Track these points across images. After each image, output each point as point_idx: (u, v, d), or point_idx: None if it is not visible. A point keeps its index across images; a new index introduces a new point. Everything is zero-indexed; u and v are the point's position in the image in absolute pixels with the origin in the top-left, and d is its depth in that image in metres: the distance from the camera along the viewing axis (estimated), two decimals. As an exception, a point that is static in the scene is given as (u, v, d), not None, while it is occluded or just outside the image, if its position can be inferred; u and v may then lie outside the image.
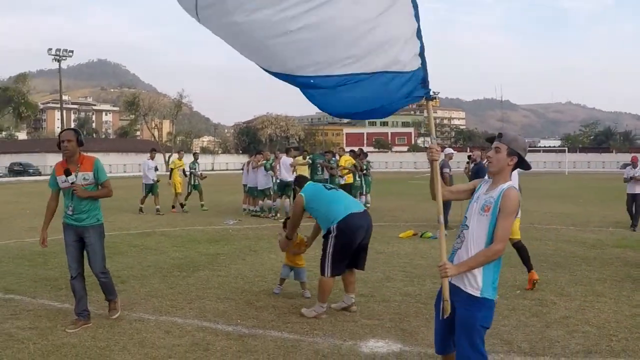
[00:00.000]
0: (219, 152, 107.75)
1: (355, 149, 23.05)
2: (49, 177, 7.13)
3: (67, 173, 6.58)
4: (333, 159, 20.03)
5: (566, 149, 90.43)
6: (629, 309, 7.67)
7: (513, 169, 4.25)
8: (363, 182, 20.23)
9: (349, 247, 7.09)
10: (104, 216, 7.03)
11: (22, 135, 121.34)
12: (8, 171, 69.47)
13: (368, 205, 20.31)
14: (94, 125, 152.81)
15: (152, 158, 20.27)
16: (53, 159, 57.85)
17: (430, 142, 4.55)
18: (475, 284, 4.11)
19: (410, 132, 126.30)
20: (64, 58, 75.21)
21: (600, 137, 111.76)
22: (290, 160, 18.25)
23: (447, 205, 13.39)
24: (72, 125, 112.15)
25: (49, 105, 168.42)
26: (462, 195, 4.52)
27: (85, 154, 6.87)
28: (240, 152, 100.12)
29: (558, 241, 13.47)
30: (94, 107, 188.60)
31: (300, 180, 8.27)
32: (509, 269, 9.55)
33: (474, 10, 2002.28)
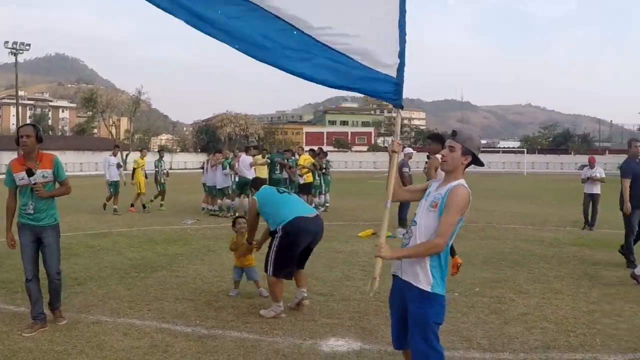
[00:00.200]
0: (178, 150, 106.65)
1: (315, 148, 23.13)
2: (3, 175, 6.97)
3: (30, 173, 6.43)
4: (292, 158, 20.03)
5: (525, 150, 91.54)
6: (586, 305, 7.88)
7: (466, 167, 4.29)
8: (322, 182, 20.21)
9: (293, 249, 7.11)
10: (59, 216, 6.92)
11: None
12: (-41, 170, 67.73)
13: (327, 204, 20.40)
14: (50, 122, 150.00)
15: (114, 155, 19.94)
16: (7, 157, 56.53)
17: (392, 139, 4.57)
18: (426, 280, 4.15)
19: (371, 132, 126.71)
20: (20, 52, 73.53)
21: (559, 138, 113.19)
22: (250, 159, 18.08)
23: (405, 204, 13.49)
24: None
25: (4, 101, 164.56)
26: (417, 195, 4.54)
27: (42, 151, 6.75)
28: (199, 150, 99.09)
29: (516, 240, 13.68)
30: (51, 104, 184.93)
31: (257, 183, 8.27)
32: (467, 267, 9.70)
33: (436, 10, 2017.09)
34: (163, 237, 13.67)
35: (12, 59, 75.55)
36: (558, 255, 11.67)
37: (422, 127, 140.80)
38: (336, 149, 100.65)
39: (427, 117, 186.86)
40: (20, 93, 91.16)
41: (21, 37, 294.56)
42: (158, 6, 4.10)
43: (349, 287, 8.70)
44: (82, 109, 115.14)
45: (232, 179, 18.73)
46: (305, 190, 18.74)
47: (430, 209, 4.20)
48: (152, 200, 20.70)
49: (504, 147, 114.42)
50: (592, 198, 16.35)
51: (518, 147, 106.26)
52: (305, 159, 19.83)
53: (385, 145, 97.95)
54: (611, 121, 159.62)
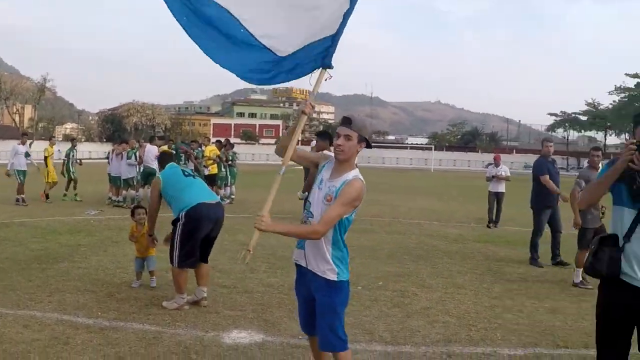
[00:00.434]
0: (83, 140, 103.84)
1: (222, 139, 22.94)
2: None
3: None
4: (198, 149, 19.86)
5: (433, 147, 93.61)
6: (488, 300, 8.01)
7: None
8: (228, 173, 20.16)
9: (196, 235, 6.97)
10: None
11: None
12: None
13: (233, 196, 20.25)
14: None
15: (23, 143, 19.10)
16: None
17: (307, 100, 4.41)
18: (331, 270, 4.13)
19: (279, 125, 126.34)
20: None
21: (467, 136, 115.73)
22: (155, 149, 17.72)
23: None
24: None
25: None
26: (304, 162, 4.58)
27: None
28: (105, 140, 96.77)
29: (421, 235, 13.79)
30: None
31: (163, 159, 7.87)
32: (372, 261, 9.91)
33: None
34: (66, 228, 13.24)
35: None
36: (462, 251, 11.82)
37: (330, 121, 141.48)
38: (244, 141, 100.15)
39: (337, 111, 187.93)
40: None
41: None
42: None
43: (252, 280, 8.66)
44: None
45: (137, 170, 18.43)
46: (210, 181, 18.45)
47: (324, 202, 4.11)
48: (65, 194, 20.03)
49: (412, 144, 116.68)
50: (497, 196, 16.54)
51: (426, 144, 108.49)
52: (211, 150, 19.81)
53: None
54: (519, 121, 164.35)
